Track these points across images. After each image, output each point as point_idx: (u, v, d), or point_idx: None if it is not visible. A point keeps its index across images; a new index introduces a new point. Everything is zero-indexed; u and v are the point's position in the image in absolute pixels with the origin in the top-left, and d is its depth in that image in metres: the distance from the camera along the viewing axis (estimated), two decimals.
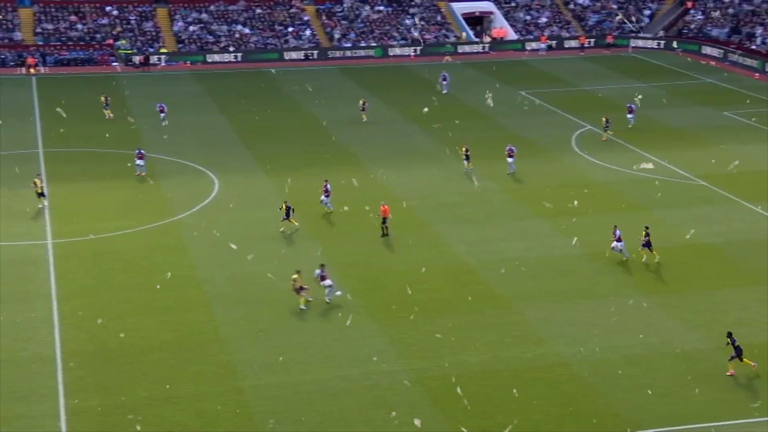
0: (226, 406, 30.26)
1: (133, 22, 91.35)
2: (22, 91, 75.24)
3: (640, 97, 68.82)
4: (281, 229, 44.75)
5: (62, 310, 36.83)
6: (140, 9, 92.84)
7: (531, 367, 32.87)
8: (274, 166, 55.37)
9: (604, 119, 62.38)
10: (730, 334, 32.31)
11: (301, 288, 36.89)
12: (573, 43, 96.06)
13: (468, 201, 49.79)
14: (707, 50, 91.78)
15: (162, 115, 63.84)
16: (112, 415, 29.66)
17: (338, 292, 37.53)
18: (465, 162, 53.78)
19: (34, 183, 47.87)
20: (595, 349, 33.97)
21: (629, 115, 64.28)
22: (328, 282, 37.23)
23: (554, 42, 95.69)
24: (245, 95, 74.41)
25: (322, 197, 47.36)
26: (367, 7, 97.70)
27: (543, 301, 38.00)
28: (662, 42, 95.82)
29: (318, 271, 37.38)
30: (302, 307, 36.88)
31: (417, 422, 28.11)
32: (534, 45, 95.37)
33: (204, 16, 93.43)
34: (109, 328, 35.27)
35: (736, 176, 53.37)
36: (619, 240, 41.29)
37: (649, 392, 31.09)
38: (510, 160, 53.79)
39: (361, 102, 66.99)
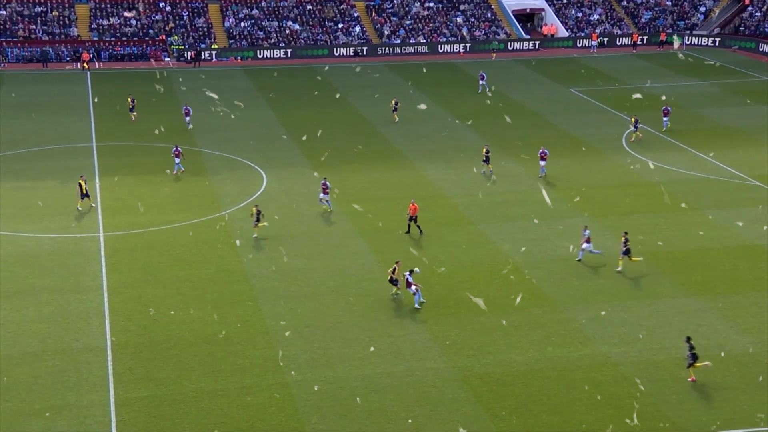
0: (271, 399, 30.54)
1: (185, 17, 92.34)
2: (78, 86, 76.51)
3: (663, 98, 67.92)
4: (254, 236, 43.85)
5: (112, 302, 37.42)
6: (192, 5, 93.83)
7: (577, 366, 32.67)
8: (322, 162, 55.64)
9: (633, 119, 61.17)
10: (688, 339, 32.00)
11: (396, 280, 37.33)
12: (625, 41, 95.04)
13: (515, 199, 49.56)
14: (765, 48, 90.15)
15: (187, 118, 63.03)
16: (160, 406, 30.10)
17: (423, 300, 37.21)
18: (484, 163, 52.76)
19: (79, 185, 47.34)
20: (643, 349, 33.67)
21: (664, 118, 62.75)
22: (413, 288, 36.90)
23: (606, 39, 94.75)
24: (295, 91, 74.75)
25: (321, 195, 47.01)
26: (417, 4, 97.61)
27: (590, 300, 37.71)
28: (717, 39, 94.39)
29: (407, 275, 37.14)
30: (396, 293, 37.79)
31: None
32: (585, 42, 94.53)
33: (255, 12, 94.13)
34: (157, 321, 35.80)
35: None
36: (587, 241, 41.05)
37: (696, 395, 30.76)
38: (542, 163, 52.43)
39: (393, 102, 66.26)
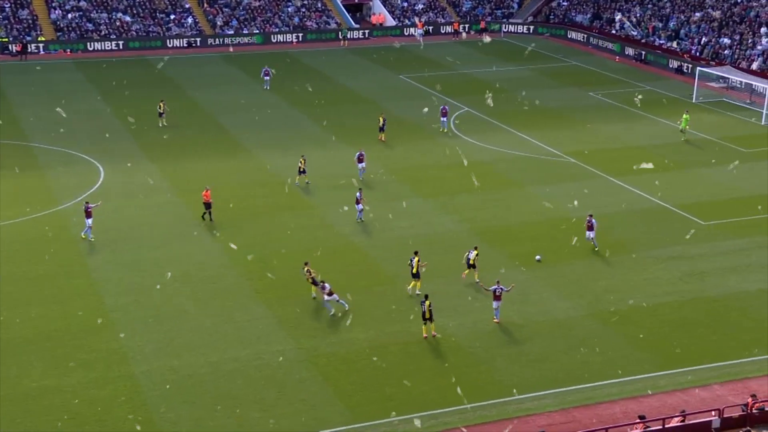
0: (118, 392, 30.71)
1: (7, 9, 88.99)
2: None
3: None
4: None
5: None
6: None
7: (417, 340, 34.41)
8: (159, 154, 55.57)
9: (381, 119, 59.48)
10: (426, 297, 34.39)
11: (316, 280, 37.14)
12: (449, 29, 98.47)
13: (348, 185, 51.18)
14: (572, 35, 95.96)
15: None
16: (5, 404, 29.73)
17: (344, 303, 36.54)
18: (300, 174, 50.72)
19: None
20: (477, 321, 35.79)
21: (443, 119, 61.54)
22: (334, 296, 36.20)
23: (431, 27, 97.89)
24: (129, 84, 73.68)
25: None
26: None
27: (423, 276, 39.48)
28: (531, 27, 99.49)
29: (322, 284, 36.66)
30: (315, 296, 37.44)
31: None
32: (411, 31, 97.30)
33: (83, 3, 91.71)
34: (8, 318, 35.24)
35: (600, 153, 56.49)
36: (590, 229, 42.25)
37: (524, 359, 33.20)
38: (361, 165, 51.72)
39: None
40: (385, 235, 44.09)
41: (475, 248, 39.45)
